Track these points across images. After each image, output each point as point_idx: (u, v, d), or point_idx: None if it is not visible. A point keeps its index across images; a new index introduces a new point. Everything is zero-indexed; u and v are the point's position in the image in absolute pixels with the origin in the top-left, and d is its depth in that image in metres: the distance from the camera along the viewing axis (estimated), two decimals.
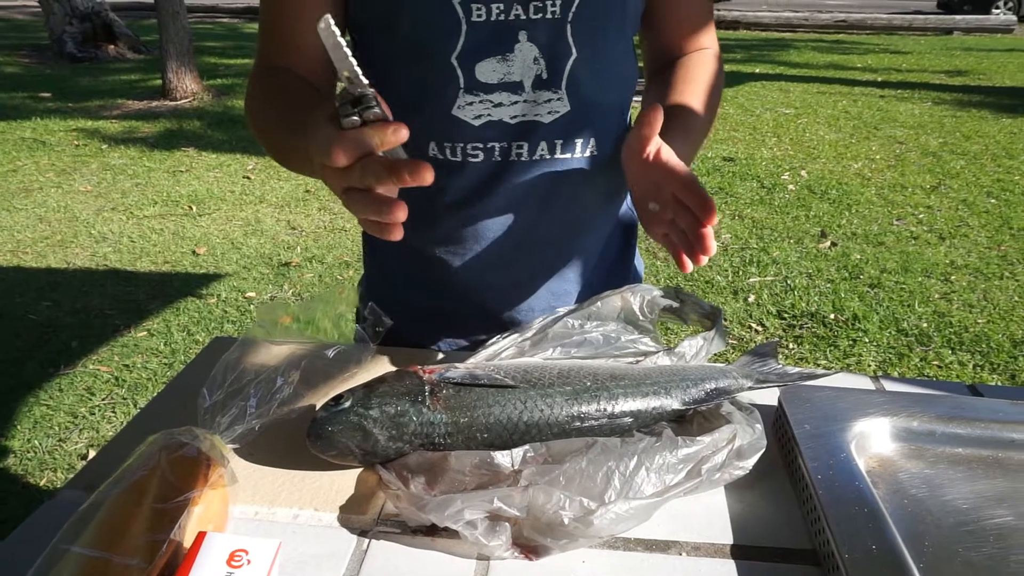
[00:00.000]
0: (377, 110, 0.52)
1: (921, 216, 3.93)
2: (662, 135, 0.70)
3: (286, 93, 0.78)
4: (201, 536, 0.50)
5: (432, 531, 0.58)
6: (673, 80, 0.84)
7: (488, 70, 0.76)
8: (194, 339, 2.71)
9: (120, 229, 3.75)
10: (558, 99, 0.78)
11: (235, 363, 0.69)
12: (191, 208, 4.05)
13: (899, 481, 0.64)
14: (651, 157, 0.69)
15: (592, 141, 0.82)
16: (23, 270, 3.28)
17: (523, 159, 0.80)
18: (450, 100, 0.77)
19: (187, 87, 6.48)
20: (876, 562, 0.51)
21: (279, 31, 0.81)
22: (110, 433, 2.21)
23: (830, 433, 0.65)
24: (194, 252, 3.49)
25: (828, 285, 3.12)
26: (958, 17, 12.59)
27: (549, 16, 0.74)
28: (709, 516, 0.61)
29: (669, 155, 0.69)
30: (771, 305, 2.95)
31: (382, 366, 0.81)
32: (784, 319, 2.86)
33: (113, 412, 2.30)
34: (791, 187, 4.33)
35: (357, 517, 0.60)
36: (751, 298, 3.01)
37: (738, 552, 0.57)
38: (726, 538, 0.59)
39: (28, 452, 2.13)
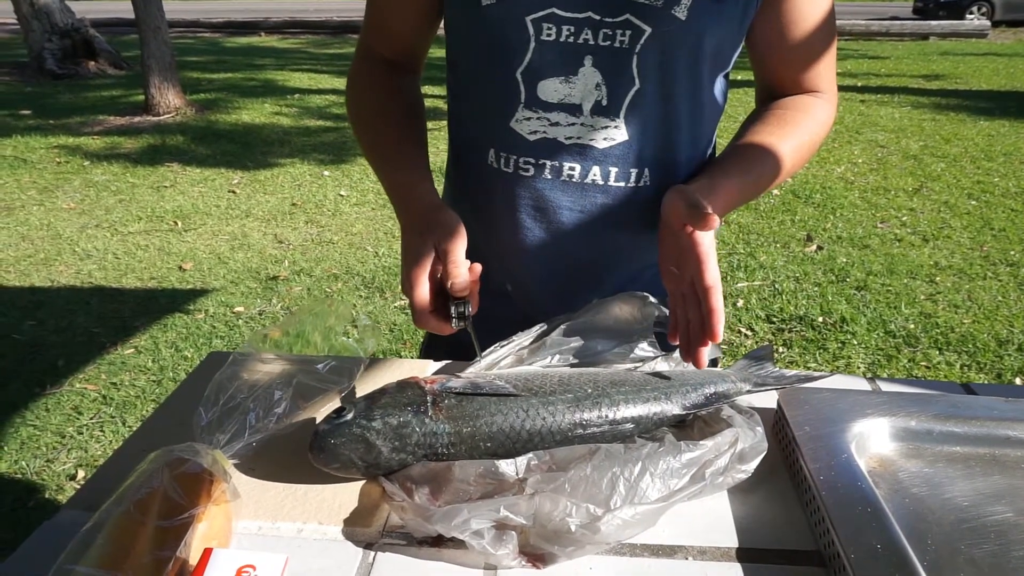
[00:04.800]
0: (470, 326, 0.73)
1: (904, 218, 3.98)
2: (716, 168, 0.79)
3: (386, 105, 0.89)
4: (208, 552, 0.49)
5: (438, 541, 0.58)
6: (760, 121, 0.84)
7: (550, 89, 0.77)
8: (182, 355, 2.69)
9: (104, 246, 3.72)
10: (615, 127, 0.78)
11: (229, 381, 0.68)
12: (176, 223, 4.02)
13: (899, 480, 0.64)
14: (689, 234, 0.69)
15: (647, 172, 0.82)
16: (6, 289, 3.24)
17: (574, 180, 0.81)
18: (510, 112, 0.79)
19: (170, 102, 6.45)
20: (882, 561, 0.52)
21: (378, 19, 0.90)
22: (99, 452, 2.18)
23: (830, 434, 0.65)
24: (180, 268, 3.46)
25: (815, 288, 3.14)
26: (934, 23, 12.84)
27: (617, 45, 0.74)
28: (713, 520, 0.61)
29: (706, 249, 0.68)
30: (760, 309, 2.97)
31: (379, 378, 0.80)
32: (773, 323, 2.88)
33: (101, 431, 2.27)
34: (776, 192, 4.37)
35: (362, 530, 0.59)
36: (740, 303, 3.03)
37: (743, 555, 0.58)
38: (731, 542, 0.59)
39: (15, 474, 2.10)
